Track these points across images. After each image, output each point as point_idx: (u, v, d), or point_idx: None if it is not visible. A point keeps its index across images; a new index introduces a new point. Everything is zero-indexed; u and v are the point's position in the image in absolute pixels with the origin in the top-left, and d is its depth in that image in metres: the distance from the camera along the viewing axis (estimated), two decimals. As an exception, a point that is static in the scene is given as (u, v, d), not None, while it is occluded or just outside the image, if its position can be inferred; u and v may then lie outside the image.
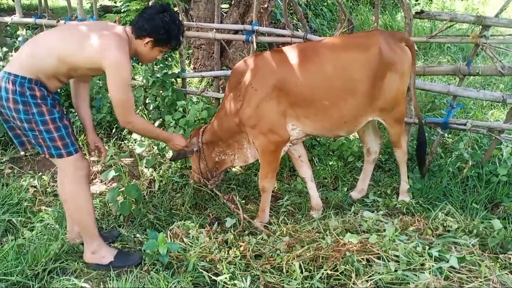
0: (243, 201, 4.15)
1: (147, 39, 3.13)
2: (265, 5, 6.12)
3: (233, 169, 4.72)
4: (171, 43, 3.21)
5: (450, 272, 2.74)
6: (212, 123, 3.86)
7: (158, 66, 5.15)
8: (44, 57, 2.92)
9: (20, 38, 5.81)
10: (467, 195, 3.94)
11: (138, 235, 3.58)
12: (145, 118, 5.22)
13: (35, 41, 3.01)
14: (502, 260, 2.97)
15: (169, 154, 4.61)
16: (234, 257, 3.12)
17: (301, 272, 2.85)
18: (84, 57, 2.95)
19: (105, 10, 9.26)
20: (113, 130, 5.43)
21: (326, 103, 3.44)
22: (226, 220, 3.68)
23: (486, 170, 4.05)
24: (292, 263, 2.93)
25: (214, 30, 4.95)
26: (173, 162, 4.52)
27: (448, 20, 3.91)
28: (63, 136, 3.01)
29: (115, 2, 8.76)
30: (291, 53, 3.49)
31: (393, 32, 3.77)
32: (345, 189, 4.33)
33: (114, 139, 5.27)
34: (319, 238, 3.19)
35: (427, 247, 2.92)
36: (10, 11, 6.10)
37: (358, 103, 3.49)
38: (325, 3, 10.35)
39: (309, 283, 2.78)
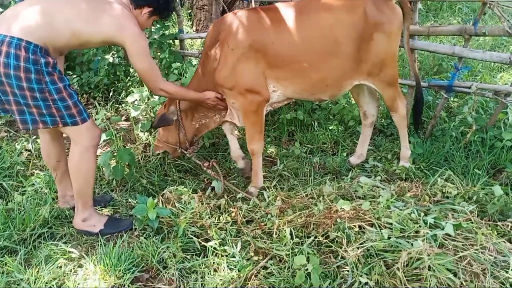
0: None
1: (146, 9, 3.14)
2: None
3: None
4: (168, 11, 3.27)
5: (445, 240, 2.64)
6: (189, 87, 3.71)
7: (156, 27, 5.00)
8: (60, 30, 2.79)
9: (16, -1, 5.67)
10: (469, 160, 3.82)
11: (130, 200, 3.53)
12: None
13: (47, 10, 2.79)
14: (501, 228, 2.87)
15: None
16: (225, 223, 3.07)
17: (292, 238, 2.78)
18: (101, 33, 2.92)
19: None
20: (111, 93, 5.33)
21: (305, 65, 3.31)
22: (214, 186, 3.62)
23: (491, 134, 3.90)
24: (283, 228, 2.86)
25: (213, -12, 4.77)
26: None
27: (455, -23, 3.70)
28: (76, 102, 2.91)
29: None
30: (271, 12, 3.36)
31: None
32: (345, 154, 4.23)
33: (111, 102, 5.18)
34: (312, 204, 3.10)
35: (422, 214, 2.83)
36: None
37: (341, 66, 3.35)
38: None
39: (299, 248, 2.71)
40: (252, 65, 3.33)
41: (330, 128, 4.56)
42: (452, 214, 2.91)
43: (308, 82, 3.39)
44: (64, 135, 3.26)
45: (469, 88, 3.91)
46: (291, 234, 2.82)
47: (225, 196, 3.45)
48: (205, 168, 3.82)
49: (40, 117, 2.82)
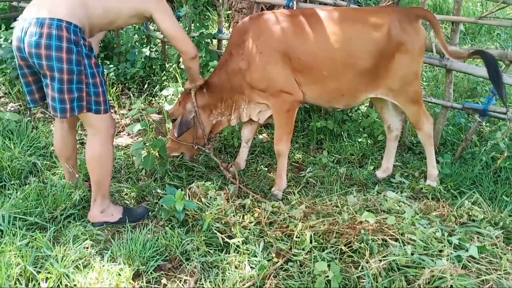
0: (266, 169, 4.12)
1: None
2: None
3: (260, 136, 4.68)
4: None
5: (469, 262, 2.63)
6: (208, 84, 3.71)
7: (194, 26, 5.08)
8: (93, 8, 2.79)
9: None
10: (498, 186, 3.78)
11: (159, 190, 3.58)
12: (178, 77, 5.22)
13: None
14: (526, 256, 2.86)
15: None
16: (249, 222, 3.10)
17: (311, 242, 2.81)
18: (128, 6, 2.93)
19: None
20: (145, 86, 5.43)
21: (325, 73, 3.41)
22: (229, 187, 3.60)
23: (522, 162, 3.87)
24: (305, 232, 2.89)
25: (255, -7, 4.83)
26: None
27: (501, 2, 3.69)
28: (105, 92, 2.94)
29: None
30: (297, 18, 3.44)
31: (410, 9, 3.56)
32: (372, 167, 4.21)
33: (145, 94, 5.28)
34: (335, 213, 3.12)
35: (447, 234, 2.82)
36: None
37: (358, 79, 3.44)
38: (375, -24, 10.03)
39: (320, 254, 2.74)
40: (281, 67, 3.42)
41: (359, 140, 4.57)
42: (478, 237, 2.89)
43: (325, 90, 3.51)
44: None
45: (505, 114, 3.89)
46: (311, 238, 2.84)
47: (250, 196, 3.48)
48: (222, 168, 3.85)
49: (70, 103, 2.77)
